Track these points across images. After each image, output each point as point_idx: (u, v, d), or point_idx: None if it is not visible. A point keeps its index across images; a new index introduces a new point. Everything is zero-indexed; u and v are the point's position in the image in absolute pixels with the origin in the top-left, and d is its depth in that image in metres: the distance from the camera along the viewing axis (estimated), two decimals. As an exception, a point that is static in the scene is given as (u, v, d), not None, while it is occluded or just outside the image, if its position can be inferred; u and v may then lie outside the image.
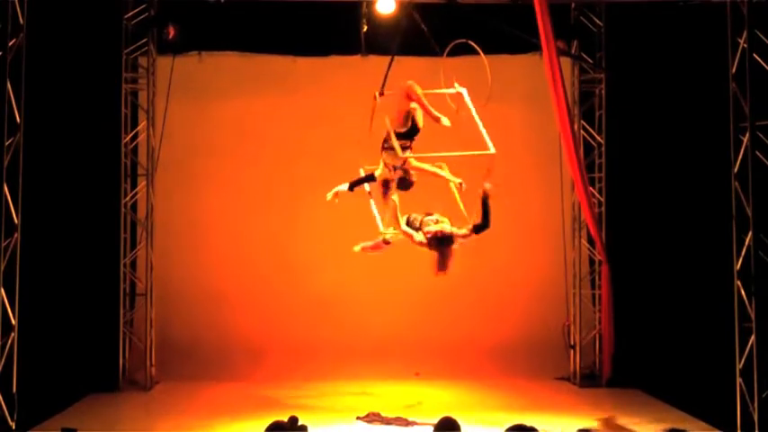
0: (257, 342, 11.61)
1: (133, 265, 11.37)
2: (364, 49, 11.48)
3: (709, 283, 9.98)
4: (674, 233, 11.09)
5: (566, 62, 10.68)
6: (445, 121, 7.98)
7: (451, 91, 8.35)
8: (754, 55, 8.37)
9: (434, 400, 10.24)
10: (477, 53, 8.38)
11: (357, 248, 8.60)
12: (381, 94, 8.17)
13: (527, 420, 6.24)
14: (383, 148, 8.15)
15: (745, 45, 8.42)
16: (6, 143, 8.19)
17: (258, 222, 11.99)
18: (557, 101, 8.63)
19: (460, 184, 8.03)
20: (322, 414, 9.25)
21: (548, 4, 8.24)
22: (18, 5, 8.32)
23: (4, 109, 8.15)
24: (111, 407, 9.96)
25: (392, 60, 8.18)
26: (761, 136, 8.36)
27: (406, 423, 8.92)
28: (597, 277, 11.11)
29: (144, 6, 10.96)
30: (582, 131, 11.25)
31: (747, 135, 8.39)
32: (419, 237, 7.91)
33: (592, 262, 11.46)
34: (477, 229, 7.83)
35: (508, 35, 9.51)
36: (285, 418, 6.71)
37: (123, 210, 11.16)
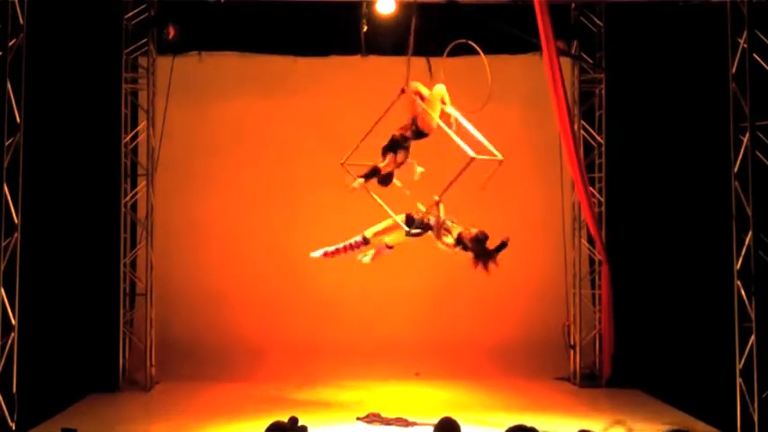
0: (257, 342, 11.61)
1: (133, 265, 11.36)
2: (364, 49, 11.49)
3: (709, 283, 9.99)
4: (674, 233, 11.09)
5: (566, 62, 10.68)
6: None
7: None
8: (754, 55, 8.37)
9: (434, 400, 10.24)
10: (477, 53, 8.39)
11: (367, 260, 8.65)
12: (403, 91, 8.22)
13: (527, 420, 6.26)
14: (391, 150, 8.22)
15: (745, 45, 8.41)
16: (6, 143, 8.19)
17: (258, 222, 11.99)
18: (557, 101, 8.63)
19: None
20: (322, 414, 9.23)
21: (548, 4, 8.25)
22: (18, 5, 8.31)
23: (4, 109, 8.15)
24: (111, 407, 9.94)
25: (409, 59, 8.20)
26: (761, 136, 8.36)
27: (406, 423, 8.90)
28: (597, 277, 11.11)
29: (144, 6, 10.94)
30: (582, 131, 11.24)
31: (747, 135, 8.39)
32: (449, 240, 8.22)
33: (592, 262, 11.45)
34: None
35: (508, 35, 9.53)
36: (285, 419, 6.72)
37: (123, 210, 11.15)
